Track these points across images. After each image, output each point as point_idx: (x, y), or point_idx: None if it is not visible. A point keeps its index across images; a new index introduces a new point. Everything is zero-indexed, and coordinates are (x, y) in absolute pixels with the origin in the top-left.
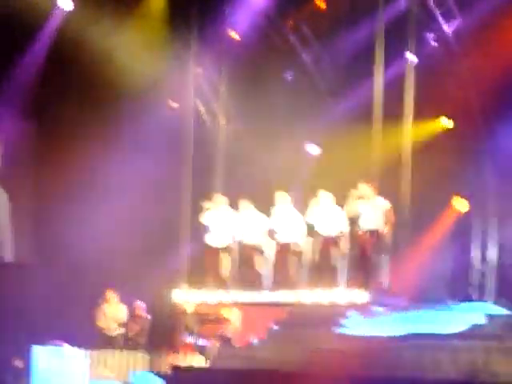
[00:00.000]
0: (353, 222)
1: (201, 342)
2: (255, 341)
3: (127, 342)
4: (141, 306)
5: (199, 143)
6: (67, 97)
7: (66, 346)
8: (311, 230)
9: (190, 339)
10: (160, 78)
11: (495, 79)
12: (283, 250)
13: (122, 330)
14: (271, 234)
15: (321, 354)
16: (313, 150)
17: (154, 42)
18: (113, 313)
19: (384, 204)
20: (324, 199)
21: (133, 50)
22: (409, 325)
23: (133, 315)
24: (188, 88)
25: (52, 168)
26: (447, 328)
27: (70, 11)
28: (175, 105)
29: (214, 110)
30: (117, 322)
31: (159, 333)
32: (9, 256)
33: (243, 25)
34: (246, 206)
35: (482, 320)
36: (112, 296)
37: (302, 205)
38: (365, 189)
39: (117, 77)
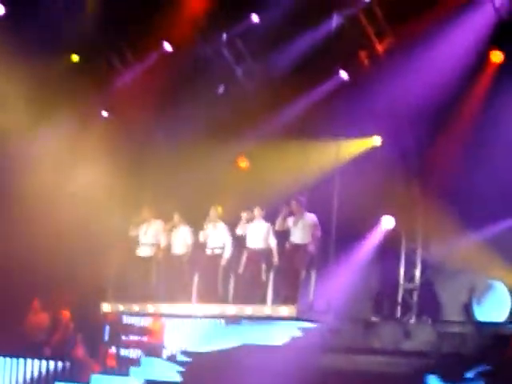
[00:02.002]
0: (282, 236)
1: (125, 352)
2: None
3: (50, 351)
4: (65, 314)
5: (127, 155)
6: None
7: None
8: (241, 244)
9: (113, 349)
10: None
11: (425, 97)
12: (212, 263)
13: (45, 338)
14: (201, 246)
15: None
16: (244, 163)
17: None
18: (37, 321)
19: (312, 219)
20: (254, 213)
21: None
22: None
23: (57, 324)
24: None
25: None
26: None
27: None
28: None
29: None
30: (40, 329)
31: (83, 342)
32: None
33: (176, 36)
34: (177, 218)
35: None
36: (37, 304)
37: (232, 218)
38: (295, 205)
39: None
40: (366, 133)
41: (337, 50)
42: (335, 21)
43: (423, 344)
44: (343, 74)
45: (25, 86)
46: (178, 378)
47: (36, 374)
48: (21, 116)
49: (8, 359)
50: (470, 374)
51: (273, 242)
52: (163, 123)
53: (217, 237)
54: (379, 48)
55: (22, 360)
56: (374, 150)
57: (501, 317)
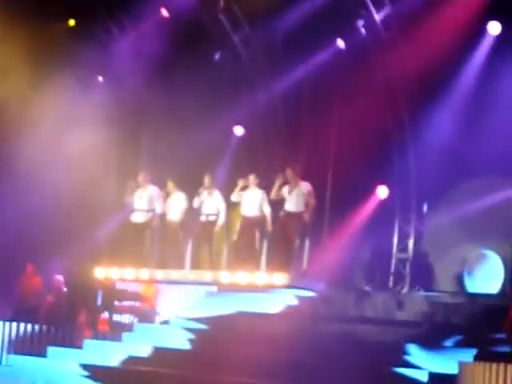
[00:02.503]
0: (277, 204)
1: (117, 317)
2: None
3: (43, 314)
4: (59, 278)
5: (123, 121)
6: None
7: None
8: (236, 211)
9: (106, 314)
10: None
11: (420, 69)
12: (206, 230)
13: (39, 302)
14: (195, 213)
15: None
16: (239, 131)
17: None
18: (30, 285)
19: (306, 188)
20: (249, 181)
21: None
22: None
23: (50, 288)
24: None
25: None
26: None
27: None
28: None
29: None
30: (34, 294)
31: (76, 307)
32: None
33: (173, 2)
34: (171, 185)
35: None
36: (30, 268)
37: (227, 185)
38: (290, 173)
39: None
40: (362, 103)
41: (334, 19)
42: None
43: (415, 314)
44: (340, 43)
45: (22, 49)
46: (171, 344)
47: (29, 337)
48: (18, 79)
49: (1, 323)
50: (452, 343)
51: (267, 210)
52: (159, 89)
53: (211, 204)
54: (377, 18)
55: (15, 324)
56: (369, 119)
57: (493, 288)
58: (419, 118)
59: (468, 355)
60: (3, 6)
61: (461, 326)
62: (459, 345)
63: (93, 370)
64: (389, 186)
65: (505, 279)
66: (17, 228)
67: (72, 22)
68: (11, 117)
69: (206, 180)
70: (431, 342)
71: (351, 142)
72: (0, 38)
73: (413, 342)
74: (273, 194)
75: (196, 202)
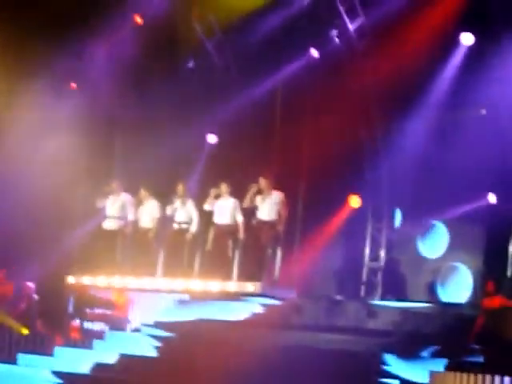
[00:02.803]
0: (249, 213)
1: (88, 325)
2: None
3: (14, 321)
4: (29, 286)
5: (96, 128)
6: None
7: None
8: (208, 219)
9: (77, 322)
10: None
11: (394, 79)
12: (178, 238)
13: (9, 309)
14: (167, 221)
15: None
16: (212, 139)
17: None
18: (0, 291)
19: (279, 197)
20: (222, 189)
21: None
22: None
23: (20, 295)
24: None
25: None
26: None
27: None
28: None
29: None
30: (4, 300)
31: (47, 314)
32: None
33: (147, 10)
34: (144, 193)
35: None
36: (1, 274)
37: (199, 193)
38: (263, 182)
39: None
40: (335, 113)
41: (308, 28)
42: None
43: (386, 323)
44: (314, 52)
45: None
46: (142, 351)
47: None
48: None
49: None
50: (425, 353)
51: (240, 219)
52: (132, 96)
53: (184, 212)
54: (351, 27)
55: None
56: (343, 129)
57: (462, 298)
58: (392, 127)
59: (440, 365)
60: None
61: (432, 335)
62: (431, 354)
63: (63, 377)
64: (361, 195)
65: (474, 288)
66: None
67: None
68: None
69: (180, 188)
70: (403, 351)
71: (324, 150)
72: None
73: (386, 351)
74: (246, 202)
75: (169, 210)
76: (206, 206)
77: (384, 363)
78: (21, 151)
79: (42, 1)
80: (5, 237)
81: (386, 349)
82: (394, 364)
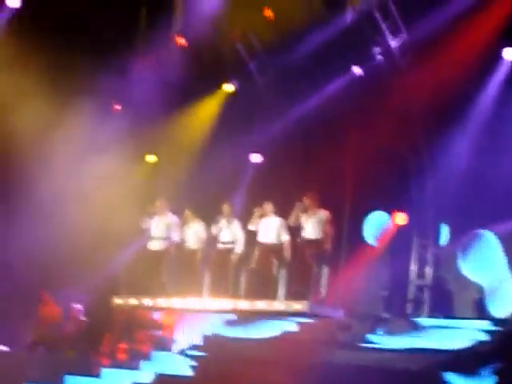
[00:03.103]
0: (294, 232)
1: (135, 346)
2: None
3: (62, 344)
4: (77, 308)
5: (140, 150)
6: None
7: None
8: (253, 239)
9: (125, 343)
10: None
11: (437, 95)
12: (224, 258)
13: (57, 331)
14: (213, 241)
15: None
16: (256, 159)
17: None
18: (48, 314)
19: (325, 215)
20: (266, 208)
21: None
22: None
23: (69, 317)
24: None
25: None
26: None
27: None
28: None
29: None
30: (52, 322)
31: (95, 336)
32: None
33: (191, 31)
34: (189, 214)
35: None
36: (47, 297)
37: (244, 213)
38: (308, 201)
39: None
40: (378, 130)
41: (350, 45)
42: (349, 16)
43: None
44: (357, 70)
45: (41, 80)
46: (189, 372)
47: (46, 366)
48: (37, 108)
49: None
50: (484, 371)
51: (285, 238)
52: (176, 117)
53: (230, 232)
54: (393, 44)
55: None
56: (386, 146)
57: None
58: (436, 143)
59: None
60: (23, 34)
61: (489, 352)
62: (490, 372)
63: None
64: (406, 212)
65: None
66: (35, 258)
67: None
68: (29, 146)
69: (225, 208)
70: (462, 368)
71: (368, 168)
72: (18, 68)
73: (443, 369)
74: (292, 220)
75: (214, 230)
76: (251, 226)
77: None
78: (65, 174)
79: (91, 25)
80: (52, 260)
81: (442, 367)
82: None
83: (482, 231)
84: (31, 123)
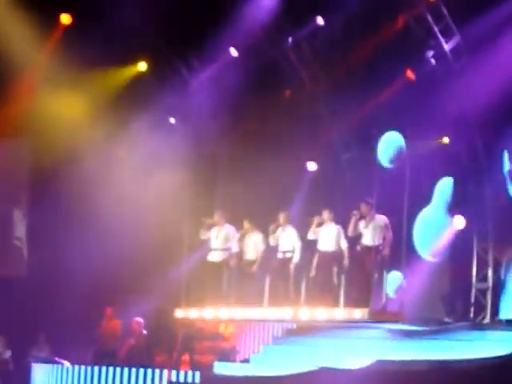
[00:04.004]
0: (353, 240)
1: (198, 358)
2: (252, 356)
3: (123, 358)
4: (138, 321)
5: (198, 163)
6: None
7: (65, 363)
8: (313, 247)
9: (187, 355)
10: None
11: (492, 97)
12: (283, 267)
13: (118, 345)
14: (272, 250)
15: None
16: (312, 167)
17: None
18: (110, 328)
19: (383, 221)
20: (324, 216)
21: None
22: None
23: (130, 331)
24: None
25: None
26: None
27: None
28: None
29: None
30: (113, 337)
31: (156, 348)
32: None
33: (242, 41)
34: (247, 225)
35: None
36: (110, 312)
37: (301, 222)
38: (364, 208)
39: None
40: (432, 134)
41: (403, 49)
42: (401, 20)
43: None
44: (410, 74)
45: (95, 97)
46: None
47: (111, 382)
48: (93, 129)
49: (83, 367)
50: None
51: (344, 245)
52: (233, 129)
53: (287, 240)
54: (446, 47)
55: (96, 368)
56: (442, 149)
57: None
58: (493, 145)
59: None
60: (73, 51)
61: None
62: None
63: None
64: (465, 215)
65: None
66: (98, 272)
67: (143, 66)
68: (91, 160)
69: (282, 217)
70: None
71: (424, 172)
72: (72, 86)
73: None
74: (350, 231)
75: (272, 240)
76: (310, 235)
77: None
78: (126, 188)
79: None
80: (113, 275)
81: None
82: None
83: None
84: (90, 140)
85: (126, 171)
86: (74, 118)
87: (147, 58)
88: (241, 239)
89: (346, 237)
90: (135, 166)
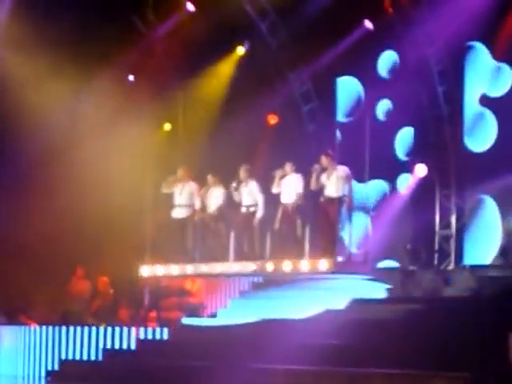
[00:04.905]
0: (316, 192)
1: (165, 314)
2: (219, 311)
3: (91, 317)
4: (105, 280)
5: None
6: None
7: (32, 324)
8: (276, 200)
9: (154, 312)
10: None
11: (451, 44)
12: (247, 221)
13: (86, 305)
14: (235, 205)
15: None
16: (272, 120)
17: None
18: (78, 288)
19: (344, 172)
20: (287, 169)
21: None
22: None
23: (96, 290)
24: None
25: None
26: None
27: None
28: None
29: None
30: (81, 297)
31: (123, 307)
32: None
33: None
34: (211, 179)
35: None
36: (80, 272)
37: (264, 175)
38: (325, 160)
39: None
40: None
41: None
42: None
43: (463, 290)
44: (368, 24)
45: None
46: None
47: (79, 341)
48: (56, 86)
49: (50, 328)
50: None
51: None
52: (192, 85)
53: (249, 195)
54: None
55: (64, 328)
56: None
57: None
58: (453, 92)
59: None
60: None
61: None
62: None
63: None
64: (427, 164)
65: None
66: (62, 232)
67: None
68: (55, 120)
69: (242, 172)
70: None
71: (385, 121)
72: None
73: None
74: (312, 185)
75: (235, 195)
76: (274, 190)
77: None
78: (90, 145)
79: None
80: (77, 235)
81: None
82: None
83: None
84: (53, 98)
85: (90, 127)
86: (35, 76)
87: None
88: (204, 194)
89: (307, 188)
90: (99, 122)
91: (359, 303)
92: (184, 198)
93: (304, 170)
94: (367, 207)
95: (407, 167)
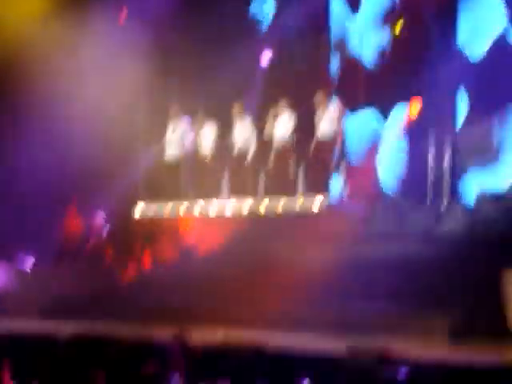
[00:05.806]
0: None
1: (160, 254)
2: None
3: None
4: (99, 219)
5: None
6: None
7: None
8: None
9: (148, 252)
10: None
11: None
12: (239, 160)
13: (81, 243)
14: (227, 144)
15: None
16: (266, 57)
17: None
18: (72, 228)
19: (338, 110)
20: (280, 106)
21: None
22: None
23: (91, 229)
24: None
25: None
26: None
27: None
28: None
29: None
30: (75, 237)
31: (117, 246)
32: None
33: None
34: (202, 117)
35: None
36: (72, 210)
37: (257, 114)
38: (320, 96)
39: None
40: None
41: None
42: None
43: (457, 227)
44: None
45: None
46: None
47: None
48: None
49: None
50: None
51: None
52: (184, 25)
53: (242, 132)
54: None
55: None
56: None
57: None
58: (447, 32)
59: None
60: None
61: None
62: None
63: None
64: (422, 100)
65: None
66: (56, 168)
67: None
68: (41, 59)
69: (236, 109)
70: None
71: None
72: None
73: None
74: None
75: (228, 133)
76: (268, 129)
77: None
78: (85, 85)
79: None
80: (71, 170)
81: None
82: None
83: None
84: (43, 39)
85: (85, 68)
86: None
87: None
88: (196, 131)
89: (301, 126)
90: (84, 63)
91: None
92: (176, 136)
93: (297, 108)
94: None
95: None
